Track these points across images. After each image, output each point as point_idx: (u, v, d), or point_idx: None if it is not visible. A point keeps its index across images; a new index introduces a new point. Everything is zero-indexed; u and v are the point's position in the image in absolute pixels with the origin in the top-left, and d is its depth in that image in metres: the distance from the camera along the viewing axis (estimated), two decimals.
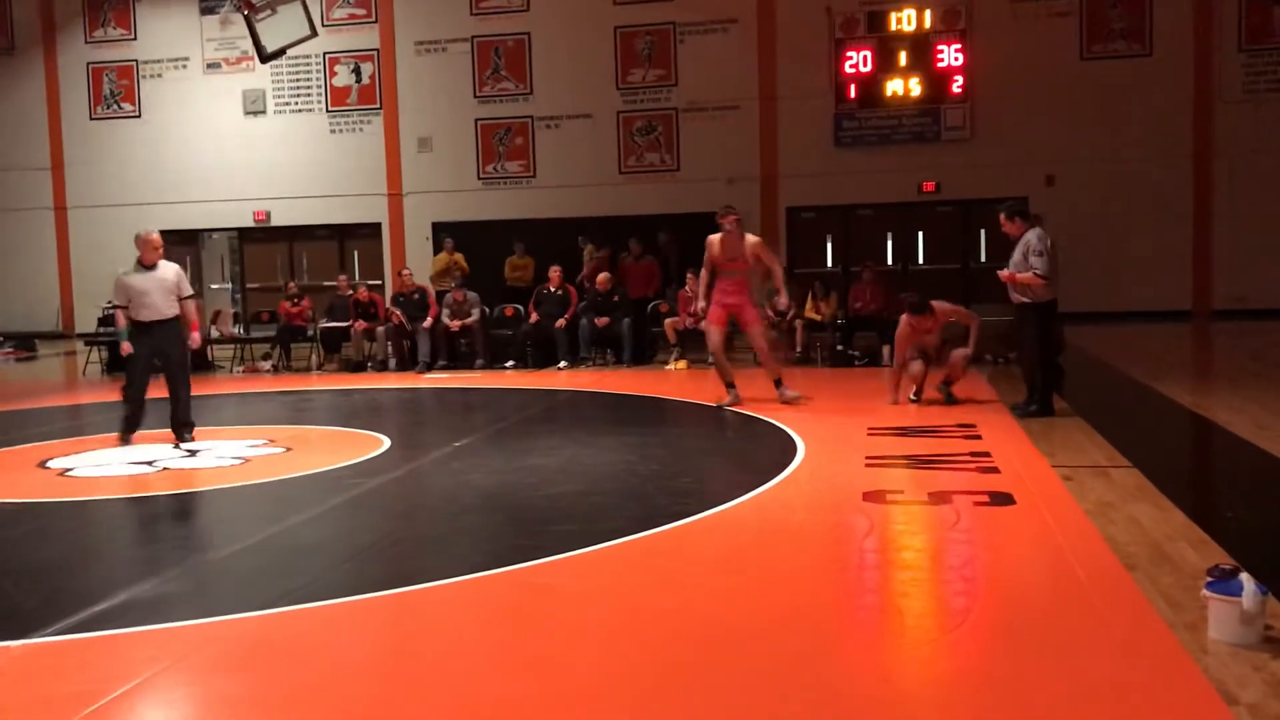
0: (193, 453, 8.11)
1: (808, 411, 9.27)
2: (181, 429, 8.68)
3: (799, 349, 13.51)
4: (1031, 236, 8.61)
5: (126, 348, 8.77)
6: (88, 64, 19.87)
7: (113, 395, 12.44)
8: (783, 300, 9.91)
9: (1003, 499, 5.86)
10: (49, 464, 7.78)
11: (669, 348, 13.79)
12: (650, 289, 15.04)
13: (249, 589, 4.78)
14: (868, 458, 7.08)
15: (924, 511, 5.75)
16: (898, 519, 5.64)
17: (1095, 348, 13.67)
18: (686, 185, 17.83)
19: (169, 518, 6.34)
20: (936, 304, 9.40)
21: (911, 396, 9.37)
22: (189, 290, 8.93)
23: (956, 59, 17.11)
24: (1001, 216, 8.93)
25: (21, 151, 19.98)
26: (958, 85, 17.14)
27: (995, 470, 6.60)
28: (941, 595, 4.53)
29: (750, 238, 9.73)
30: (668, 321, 13.91)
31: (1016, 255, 8.64)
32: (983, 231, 17.88)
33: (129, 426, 8.62)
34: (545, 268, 14.62)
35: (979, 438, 7.73)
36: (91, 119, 19.98)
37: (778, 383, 9.82)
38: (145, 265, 8.68)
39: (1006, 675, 3.52)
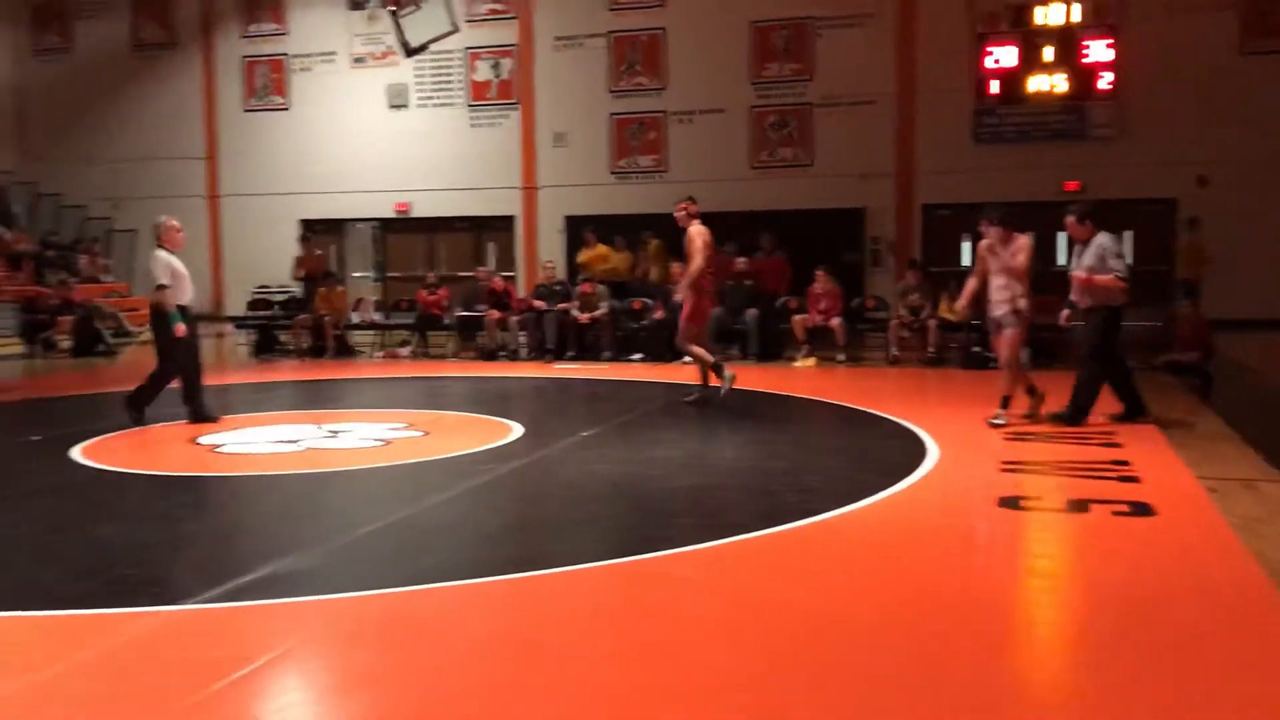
0: (335, 434, 8.41)
1: (941, 413, 9.10)
2: (202, 416, 8.85)
3: (932, 349, 13.26)
4: (1106, 240, 8.33)
5: (182, 329, 8.69)
6: (242, 58, 20.69)
7: (260, 376, 12.99)
8: (676, 297, 9.76)
9: (1143, 510, 5.66)
10: (201, 440, 8.16)
11: (797, 345, 13.70)
12: (781, 285, 14.92)
13: (385, 566, 4.94)
14: (1003, 462, 6.93)
15: (1060, 520, 5.60)
16: (1033, 526, 5.50)
17: (1249, 357, 13.06)
18: (820, 181, 17.65)
19: (312, 495, 6.59)
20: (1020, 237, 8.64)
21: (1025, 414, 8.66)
22: None
23: (1105, 54, 16.52)
24: (1070, 219, 8.56)
25: (179, 142, 20.93)
26: (1105, 81, 16.54)
27: (1136, 480, 6.38)
28: (1076, 606, 4.41)
29: (690, 229, 9.66)
30: (796, 318, 13.82)
31: (1089, 259, 8.32)
32: (1129, 233, 17.24)
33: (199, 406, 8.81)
34: (676, 263, 14.64)
35: (1119, 445, 7.48)
36: (244, 111, 20.81)
37: (717, 369, 9.73)
38: (172, 251, 8.80)
39: (1143, 692, 3.41)
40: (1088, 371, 8.43)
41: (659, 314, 14.13)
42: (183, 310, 8.76)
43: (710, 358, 9.69)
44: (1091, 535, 5.28)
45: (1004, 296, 8.37)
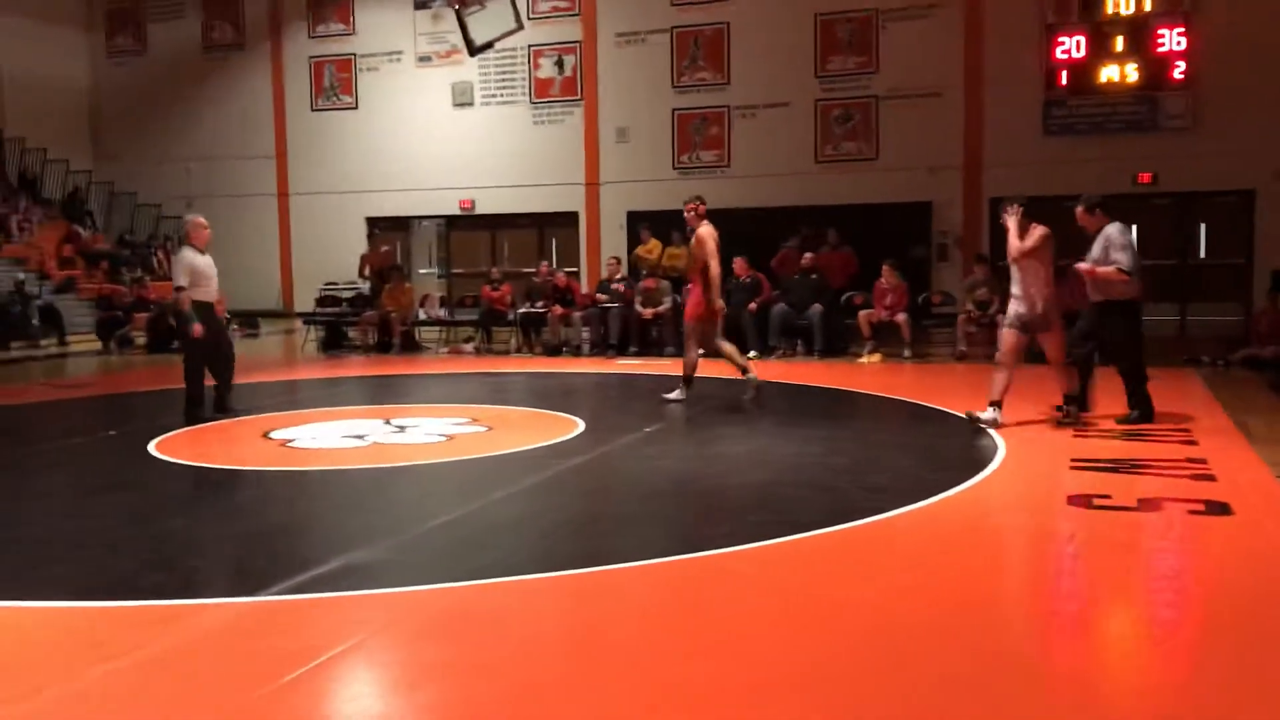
0: (401, 429, 8.51)
1: (1009, 409, 8.97)
2: (229, 410, 9.03)
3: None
4: (1113, 230, 8.11)
5: (199, 329, 8.72)
6: (309, 58, 21.01)
7: (328, 372, 13.19)
8: (718, 303, 9.51)
9: (1219, 509, 5.54)
10: (272, 435, 8.31)
11: (862, 340, 13.59)
12: (847, 279, 14.77)
13: (451, 560, 5.00)
14: (1073, 460, 6.81)
15: (1132, 518, 5.49)
16: (1103, 525, 5.41)
17: None
18: (885, 174, 17.47)
19: (379, 489, 6.68)
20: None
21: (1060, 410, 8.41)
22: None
23: (1178, 43, 16.13)
24: (1079, 209, 8.35)
25: (249, 141, 21.33)
26: (1179, 71, 16.15)
27: (1211, 478, 6.23)
28: (1148, 606, 4.33)
29: (700, 229, 9.47)
30: (862, 314, 13.71)
31: (1096, 250, 8.13)
32: (1203, 226, 16.85)
33: (200, 407, 8.94)
34: (741, 258, 14.60)
35: (1195, 443, 7.32)
36: (312, 110, 21.13)
37: (687, 381, 9.64)
38: (199, 249, 8.92)
39: (1218, 696, 3.34)
40: (1126, 366, 8.25)
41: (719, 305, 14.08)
42: (208, 307, 8.91)
43: (696, 362, 9.62)
44: (1165, 534, 5.17)
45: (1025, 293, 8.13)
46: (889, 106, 17.65)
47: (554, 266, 16.76)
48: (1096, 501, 5.75)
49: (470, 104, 20.03)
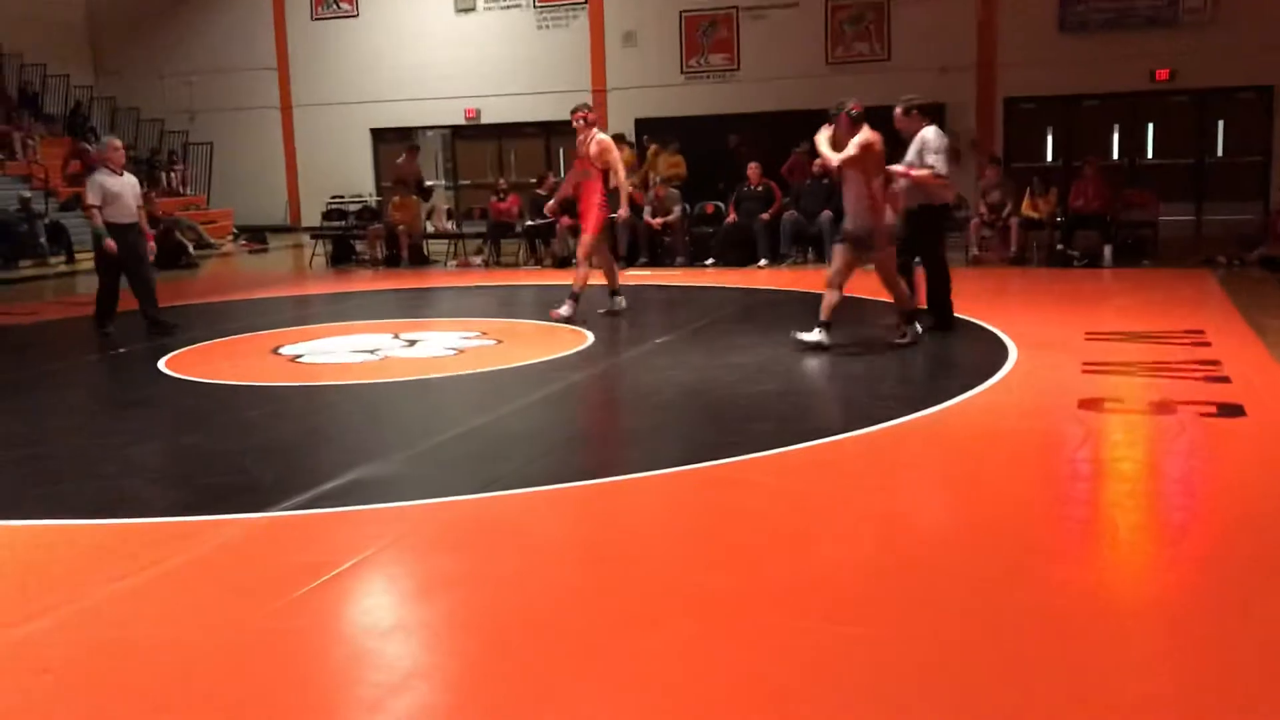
0: (411, 343, 8.50)
1: (1021, 314, 8.91)
2: (159, 325, 9.18)
3: (1014, 248, 12.93)
4: (930, 133, 7.97)
5: (111, 245, 8.94)
6: None
7: (336, 287, 13.16)
8: (623, 211, 9.33)
9: (1232, 410, 5.50)
10: (281, 350, 8.31)
11: None
12: None
13: (462, 473, 5.01)
14: (1085, 363, 6.76)
15: (1144, 421, 5.47)
16: (1115, 429, 5.39)
17: None
18: (897, 75, 17.08)
19: (390, 404, 6.69)
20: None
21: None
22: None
23: None
24: (898, 110, 8.16)
25: (249, 52, 20.98)
26: None
27: (1225, 380, 6.19)
28: (1160, 510, 4.32)
29: (598, 137, 9.18)
30: None
31: (910, 154, 7.98)
32: (1220, 124, 16.53)
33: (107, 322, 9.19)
34: (742, 166, 14.40)
35: (1208, 344, 7.26)
36: (312, 19, 20.74)
37: (574, 296, 9.23)
38: (115, 170, 9.11)
39: (1230, 598, 3.34)
40: (931, 270, 8.12)
41: (731, 218, 13.95)
42: (123, 228, 9.00)
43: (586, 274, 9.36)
44: (1177, 437, 5.15)
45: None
46: (901, 6, 17.24)
47: (560, 176, 16.56)
48: (1108, 405, 5.72)
49: (472, 9, 19.63)
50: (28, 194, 17.14)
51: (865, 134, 7.29)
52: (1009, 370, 6.69)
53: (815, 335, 7.40)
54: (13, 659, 3.13)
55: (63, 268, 16.08)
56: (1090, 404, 5.74)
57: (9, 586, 3.71)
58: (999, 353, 7.22)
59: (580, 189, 9.28)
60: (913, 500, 4.35)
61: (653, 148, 15.83)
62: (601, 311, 9.36)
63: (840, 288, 7.56)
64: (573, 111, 9.31)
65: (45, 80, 20.96)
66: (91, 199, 9.01)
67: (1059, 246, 12.85)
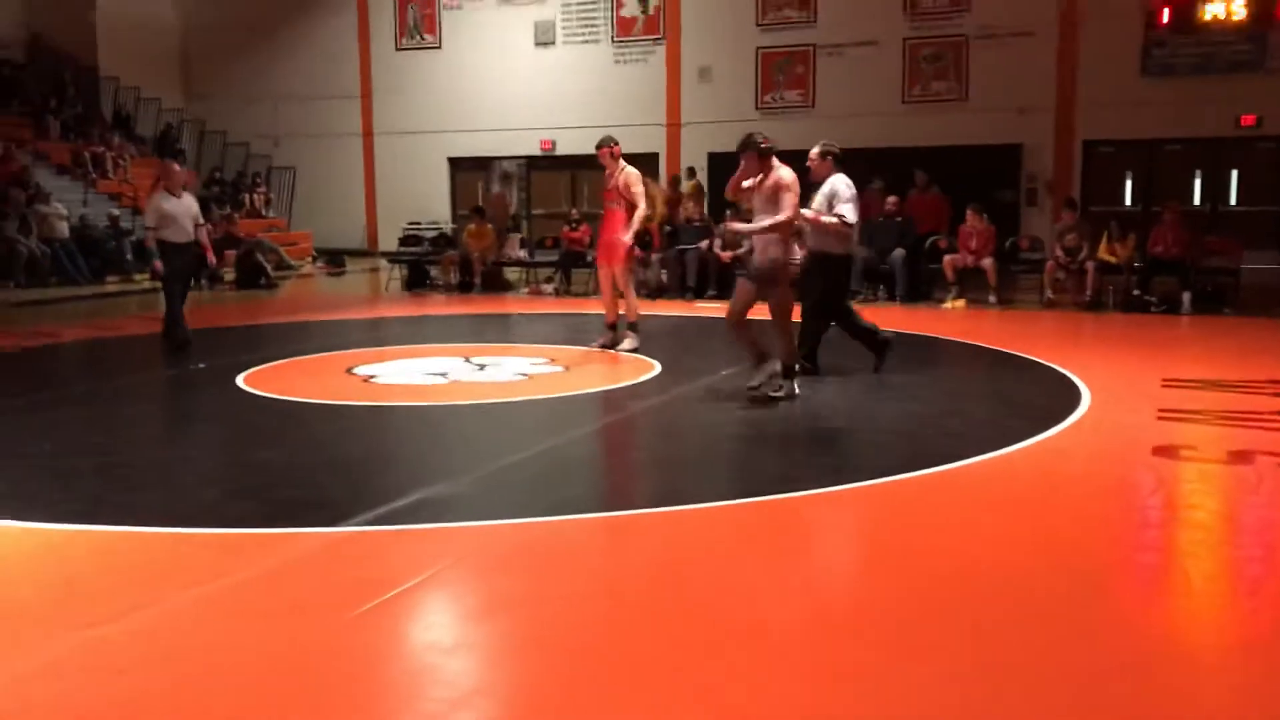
0: (481, 367, 8.60)
1: (1096, 358, 8.78)
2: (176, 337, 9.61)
3: (1090, 292, 12.74)
4: (840, 182, 7.88)
5: (158, 266, 9.48)
6: None
7: (410, 310, 13.37)
8: (626, 238, 9.18)
9: None
10: (355, 370, 8.46)
11: (946, 286, 13.35)
12: (938, 223, 14.40)
13: (527, 496, 5.06)
14: (1161, 410, 6.64)
15: (1221, 471, 5.35)
16: (1190, 478, 5.28)
17: None
18: (974, 115, 17.05)
19: (459, 426, 6.78)
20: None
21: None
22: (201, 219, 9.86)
23: None
24: (814, 153, 8.08)
25: (334, 80, 21.52)
26: None
27: None
28: (1235, 560, 4.22)
29: (627, 170, 9.19)
30: (946, 259, 13.45)
31: (819, 200, 7.88)
32: None
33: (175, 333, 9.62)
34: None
35: None
36: (396, 50, 21.22)
37: (632, 326, 9.35)
38: (172, 192, 9.53)
39: None
40: (811, 316, 8.04)
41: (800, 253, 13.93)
42: (176, 247, 9.44)
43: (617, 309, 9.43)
44: (1255, 488, 5.03)
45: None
46: (980, 46, 17.17)
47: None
48: (1183, 453, 5.61)
49: (552, 43, 19.94)
50: (116, 212, 17.70)
51: (786, 171, 7.07)
52: (1081, 414, 6.59)
53: (779, 386, 6.99)
54: (91, 658, 3.23)
55: (146, 284, 16.54)
56: (1165, 451, 5.63)
57: (89, 589, 3.82)
58: (1071, 396, 7.11)
59: (605, 220, 9.42)
60: (977, 540, 4.30)
61: (694, 181, 15.89)
62: (596, 344, 9.42)
63: (737, 322, 7.16)
64: (600, 146, 9.34)
65: (139, 102, 21.67)
66: (148, 220, 9.56)
67: (1136, 292, 12.63)
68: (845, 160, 8.13)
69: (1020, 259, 14.40)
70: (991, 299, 13.10)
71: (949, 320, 11.85)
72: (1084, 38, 16.50)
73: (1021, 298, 13.59)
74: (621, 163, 9.27)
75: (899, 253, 13.52)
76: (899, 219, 13.97)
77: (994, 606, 3.60)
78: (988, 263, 13.23)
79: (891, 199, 14.21)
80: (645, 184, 9.39)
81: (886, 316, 11.48)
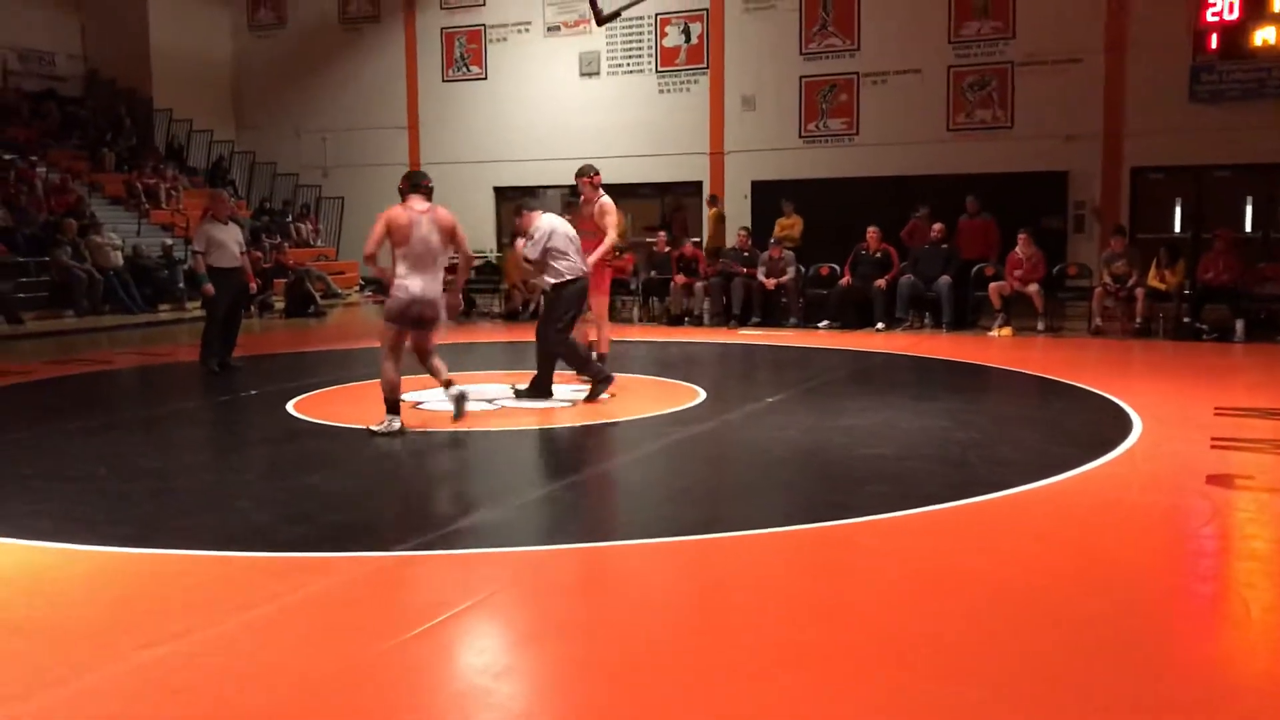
0: (525, 394, 8.63)
1: (1146, 386, 8.67)
2: (228, 366, 10.07)
3: (1139, 319, 12.60)
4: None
5: (209, 289, 9.94)
6: (441, 29, 21.32)
7: (457, 338, 13.47)
8: (584, 264, 9.16)
9: None
10: (403, 397, 8.52)
11: (993, 313, 13.26)
12: (987, 250, 14.29)
13: (576, 521, 5.08)
14: (1214, 438, 6.54)
15: (1278, 500, 5.26)
16: (1246, 506, 5.19)
17: None
18: (1020, 143, 16.93)
19: (506, 451, 6.81)
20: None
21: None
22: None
23: None
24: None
25: (382, 112, 21.79)
26: None
27: None
28: None
29: (604, 200, 9.10)
30: (993, 286, 13.36)
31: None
32: None
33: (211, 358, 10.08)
34: (865, 228, 14.37)
35: None
36: (443, 81, 21.47)
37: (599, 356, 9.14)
38: (220, 219, 10.03)
39: None
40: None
41: (845, 280, 13.92)
42: (225, 272, 9.90)
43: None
44: None
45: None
46: (1025, 73, 17.08)
47: (666, 238, 16.72)
48: (1239, 482, 5.52)
49: (596, 74, 20.10)
50: (169, 241, 18.03)
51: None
52: (1133, 442, 6.51)
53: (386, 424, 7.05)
54: (146, 679, 3.27)
55: (197, 311, 16.80)
56: (1219, 480, 5.55)
57: (145, 611, 3.88)
58: (1122, 424, 7.03)
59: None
60: (1027, 568, 4.25)
61: (715, 209, 15.80)
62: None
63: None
64: (582, 175, 9.26)
65: (191, 134, 22.09)
66: (197, 245, 10.01)
67: (1186, 319, 12.48)
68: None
69: (1067, 286, 14.28)
70: (1039, 326, 13.00)
71: (996, 348, 11.77)
72: (1131, 64, 16.37)
73: (1069, 325, 13.47)
74: (600, 192, 9.22)
75: (945, 280, 13.46)
76: (945, 246, 13.92)
77: (1045, 636, 3.55)
78: (1034, 289, 13.13)
79: (937, 226, 14.15)
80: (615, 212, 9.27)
81: (932, 344, 11.44)
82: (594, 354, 9.02)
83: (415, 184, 7.32)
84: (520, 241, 8.91)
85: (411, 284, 7.05)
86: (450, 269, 7.58)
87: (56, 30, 21.53)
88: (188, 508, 5.38)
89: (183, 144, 22.04)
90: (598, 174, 9.34)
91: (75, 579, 4.29)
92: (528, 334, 9.43)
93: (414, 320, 7.13)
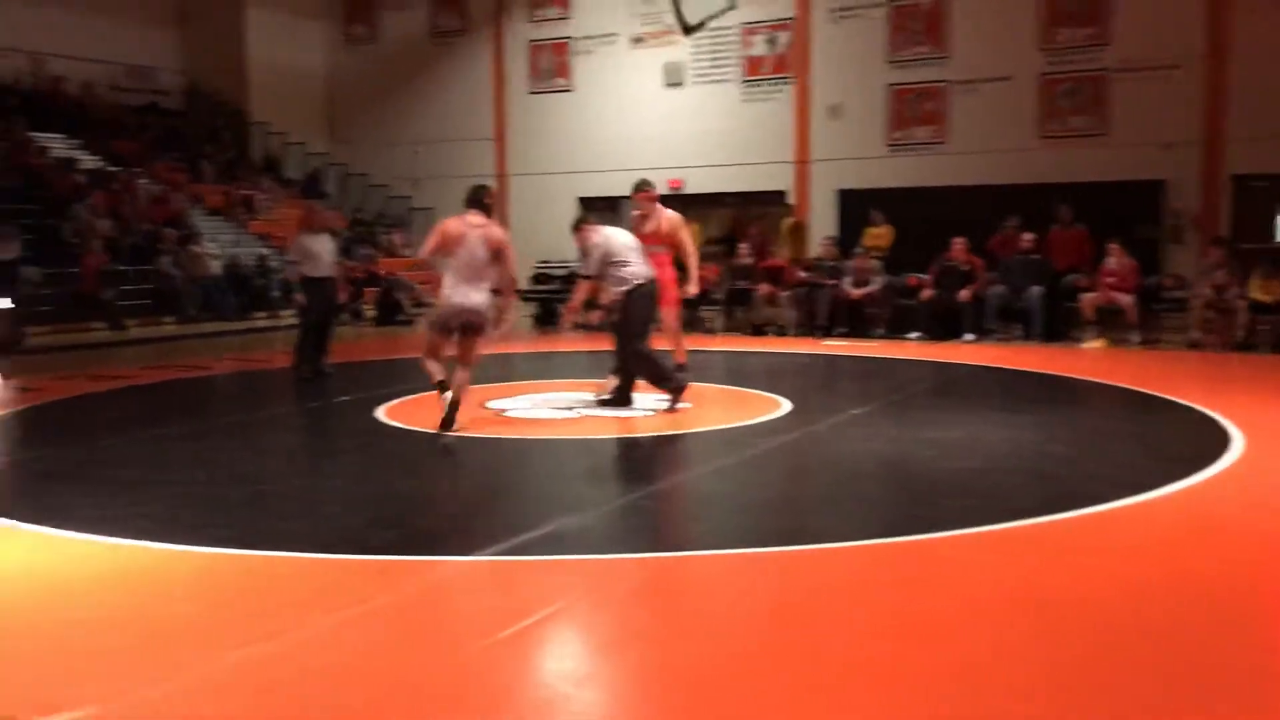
0: (607, 403, 8.70)
1: (1248, 401, 8.41)
2: (320, 373, 10.26)
3: (1240, 332, 12.22)
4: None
5: (301, 299, 10.24)
6: (528, 41, 21.59)
7: (542, 346, 13.62)
8: (692, 288, 9.15)
9: None
10: (489, 404, 8.65)
11: (1085, 324, 12.97)
12: (1079, 260, 13.98)
13: (656, 530, 5.11)
14: None
15: None
16: None
17: None
18: (1116, 150, 16.55)
19: (588, 459, 6.87)
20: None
21: None
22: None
23: None
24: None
25: (471, 124, 22.13)
26: None
27: None
28: None
29: (668, 214, 8.94)
30: (1085, 297, 13.08)
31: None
32: None
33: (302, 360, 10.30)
34: (953, 237, 14.18)
35: None
36: (529, 93, 21.73)
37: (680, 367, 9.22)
38: (313, 230, 10.37)
39: None
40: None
41: (929, 293, 13.74)
42: (318, 281, 10.12)
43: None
44: None
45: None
46: (1121, 80, 16.70)
47: (748, 248, 16.67)
48: None
49: (681, 84, 20.16)
50: (265, 251, 18.53)
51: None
52: (1233, 459, 6.32)
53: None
54: (241, 678, 3.38)
55: (292, 319, 17.24)
56: None
57: (240, 612, 4.00)
58: (1221, 440, 6.82)
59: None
60: (1116, 588, 4.15)
61: (791, 220, 15.63)
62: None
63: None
64: (642, 189, 9.11)
65: (286, 146, 22.68)
66: (291, 256, 10.41)
67: None
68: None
69: (1163, 297, 13.92)
70: (1134, 339, 12.69)
71: (1088, 360, 11.52)
72: (1234, 70, 15.91)
73: (1165, 338, 13.12)
74: (659, 206, 9.11)
75: (1036, 290, 13.22)
76: (1036, 256, 13.67)
77: (1134, 659, 3.47)
78: (1129, 301, 12.82)
79: (1028, 236, 13.91)
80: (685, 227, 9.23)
81: (1022, 356, 11.25)
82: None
83: (472, 198, 7.53)
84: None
85: (454, 294, 7.29)
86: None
87: (159, 46, 22.30)
88: (282, 511, 5.53)
89: (278, 156, 22.63)
90: (654, 187, 9.31)
91: (175, 579, 4.44)
92: (606, 343, 9.48)
93: (454, 329, 7.38)
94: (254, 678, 3.36)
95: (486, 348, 7.67)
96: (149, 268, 16.60)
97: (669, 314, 9.24)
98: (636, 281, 8.14)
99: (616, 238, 8.29)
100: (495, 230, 7.44)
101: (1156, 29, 16.32)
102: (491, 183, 21.71)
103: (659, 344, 9.00)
